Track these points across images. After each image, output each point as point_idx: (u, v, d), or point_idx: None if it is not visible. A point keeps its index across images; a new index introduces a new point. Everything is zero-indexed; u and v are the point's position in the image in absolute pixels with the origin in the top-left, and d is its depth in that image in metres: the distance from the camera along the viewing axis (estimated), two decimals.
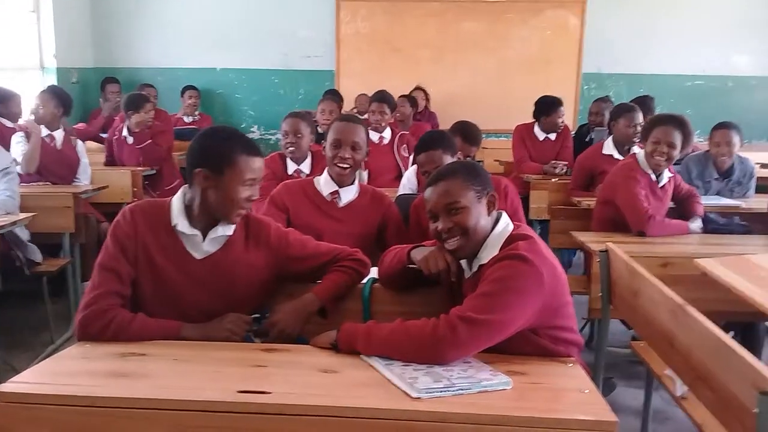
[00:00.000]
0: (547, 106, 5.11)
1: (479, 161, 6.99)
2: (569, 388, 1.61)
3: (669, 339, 2.12)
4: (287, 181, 2.92)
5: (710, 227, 3.45)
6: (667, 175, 3.44)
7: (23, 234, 3.80)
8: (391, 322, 1.76)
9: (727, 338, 1.75)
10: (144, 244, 1.96)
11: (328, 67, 7.18)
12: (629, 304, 2.52)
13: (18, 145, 4.45)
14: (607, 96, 5.82)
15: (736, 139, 3.95)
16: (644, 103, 5.34)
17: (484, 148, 7.00)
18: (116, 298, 1.90)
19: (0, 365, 3.14)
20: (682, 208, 3.50)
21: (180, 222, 1.97)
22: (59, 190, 4.11)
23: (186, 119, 6.84)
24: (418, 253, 1.99)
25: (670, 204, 3.54)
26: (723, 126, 3.99)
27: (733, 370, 1.66)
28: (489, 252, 1.85)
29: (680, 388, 2.34)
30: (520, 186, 4.98)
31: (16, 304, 3.84)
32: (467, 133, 3.35)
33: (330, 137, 2.69)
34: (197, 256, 1.98)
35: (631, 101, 5.43)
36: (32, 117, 4.54)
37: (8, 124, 5.07)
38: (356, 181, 2.76)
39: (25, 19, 6.33)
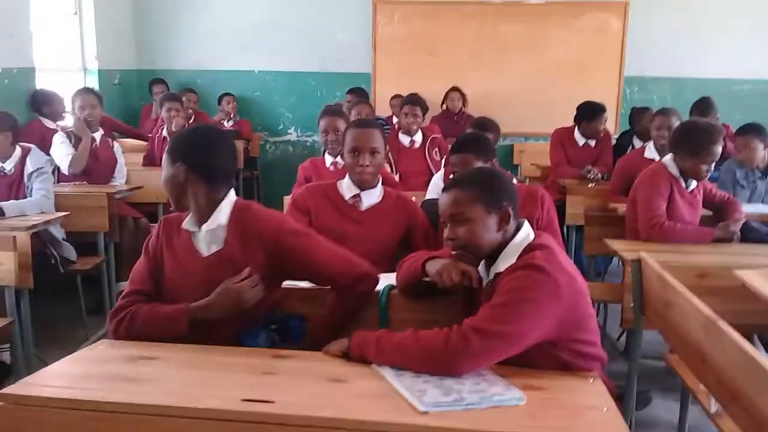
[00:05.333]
0: (590, 112, 4.99)
1: (516, 165, 6.93)
2: (587, 405, 1.53)
3: (701, 354, 2.03)
4: (310, 184, 2.90)
5: (752, 236, 3.31)
6: (694, 180, 3.32)
7: (58, 233, 3.87)
8: (404, 331, 1.71)
9: (759, 356, 1.66)
10: (163, 247, 2.04)
11: (364, 69, 7.14)
12: (661, 316, 2.43)
13: (61, 146, 4.49)
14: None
15: (756, 142, 3.87)
16: (704, 105, 5.16)
17: (521, 151, 6.93)
18: (138, 295, 1.99)
19: (33, 361, 3.18)
20: (722, 217, 3.36)
21: (186, 221, 2.01)
22: (94, 190, 4.17)
23: (226, 124, 6.92)
24: (433, 266, 1.93)
25: (707, 212, 3.42)
26: (742, 131, 3.97)
27: (766, 390, 1.57)
28: (506, 261, 1.79)
29: (714, 405, 2.24)
30: (557, 191, 4.88)
31: (52, 301, 3.90)
32: (484, 128, 3.37)
33: (348, 144, 2.66)
34: (204, 253, 1.99)
35: (694, 103, 5.25)
36: (76, 119, 4.57)
37: (50, 125, 5.18)
38: (379, 185, 2.72)
39: (68, 21, 6.45)
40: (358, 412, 1.44)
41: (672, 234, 3.14)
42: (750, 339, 2.61)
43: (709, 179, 3.55)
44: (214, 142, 1.98)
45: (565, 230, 4.65)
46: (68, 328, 3.93)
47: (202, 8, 7.22)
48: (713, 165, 3.26)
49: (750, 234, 3.32)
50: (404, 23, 7.08)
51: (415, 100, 4.61)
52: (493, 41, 7.03)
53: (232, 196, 2.01)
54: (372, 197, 2.69)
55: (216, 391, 1.54)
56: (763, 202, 3.91)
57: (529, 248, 1.79)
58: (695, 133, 3.26)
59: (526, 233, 1.86)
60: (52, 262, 3.70)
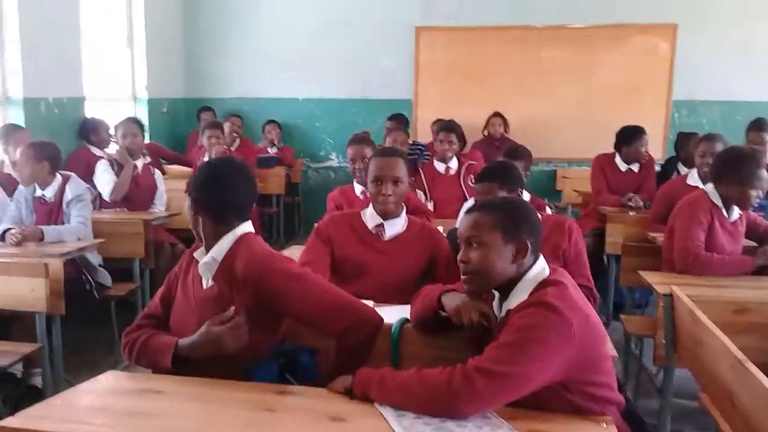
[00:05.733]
0: (628, 135, 4.87)
1: (559, 190, 6.80)
2: None
3: (729, 396, 1.92)
4: (334, 213, 2.88)
5: None
6: (737, 210, 3.18)
7: (95, 259, 3.93)
8: (409, 369, 1.66)
9: None
10: (181, 273, 2.08)
11: (406, 96, 7.16)
12: (692, 354, 2.31)
13: (104, 173, 4.61)
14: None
15: None
16: (762, 123, 4.99)
17: (564, 177, 6.80)
18: (149, 320, 2.05)
19: (63, 386, 3.22)
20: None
21: (199, 250, 2.02)
22: (131, 217, 4.25)
23: (270, 150, 7.02)
24: (450, 301, 1.87)
25: (750, 243, 3.26)
26: None
27: None
28: (518, 297, 1.72)
29: None
30: (597, 218, 4.76)
31: (86, 325, 3.96)
32: (515, 156, 3.34)
33: (370, 174, 2.63)
34: (205, 284, 1.99)
35: (751, 122, 5.09)
36: (120, 146, 4.69)
37: (97, 152, 5.33)
38: (403, 214, 2.68)
39: (120, 52, 6.66)
40: None
41: (709, 265, 3.00)
42: None
43: (756, 208, 3.41)
44: (220, 177, 1.98)
45: (605, 259, 4.53)
46: (100, 353, 3.98)
47: (249, 38, 7.37)
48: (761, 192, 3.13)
49: None
50: (446, 50, 7.07)
51: (450, 127, 4.56)
52: (536, 66, 6.95)
53: (239, 229, 1.99)
54: (395, 227, 2.65)
55: (214, 427, 1.52)
56: None
57: (542, 284, 1.72)
58: (739, 159, 3.13)
59: (541, 268, 1.79)
60: (87, 288, 3.77)
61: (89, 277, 3.80)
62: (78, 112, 5.57)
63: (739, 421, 1.84)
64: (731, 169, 3.10)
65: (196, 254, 2.02)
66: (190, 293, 2.00)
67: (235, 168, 2.03)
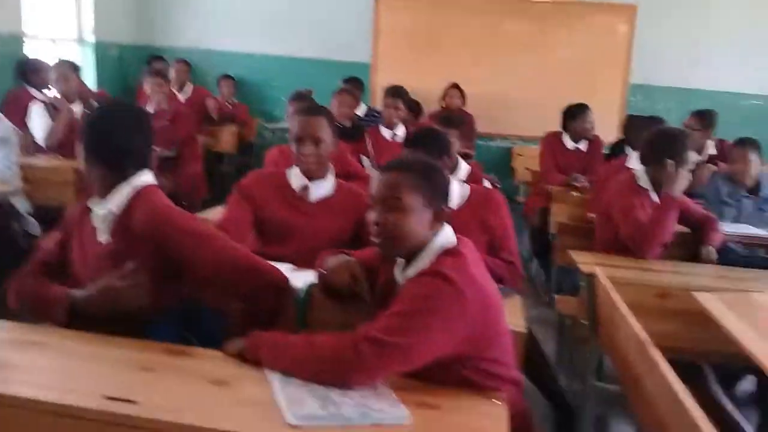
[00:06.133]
0: (573, 111, 4.92)
1: (513, 168, 6.76)
2: (476, 428, 1.41)
3: (635, 381, 1.90)
4: (259, 170, 2.77)
5: (729, 257, 3.14)
6: None
7: (22, 206, 3.77)
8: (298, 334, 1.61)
9: (682, 389, 1.52)
10: (79, 218, 1.94)
11: (364, 59, 7.02)
12: (610, 337, 2.29)
13: (39, 117, 4.42)
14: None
15: (752, 156, 3.66)
16: (706, 117, 5.04)
17: (519, 155, 6.76)
18: (42, 266, 1.94)
19: None
20: (698, 236, 3.19)
21: (93, 198, 1.88)
22: (62, 164, 4.08)
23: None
24: (332, 261, 1.81)
25: (684, 229, 3.25)
26: (739, 143, 3.77)
27: (685, 427, 1.44)
28: (418, 265, 1.65)
29: None
30: (544, 197, 4.74)
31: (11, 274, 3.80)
32: (448, 124, 3.17)
33: (292, 132, 2.53)
34: (99, 239, 1.87)
35: (693, 114, 5.11)
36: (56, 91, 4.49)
37: (37, 94, 5.09)
38: (331, 176, 2.59)
39: None
40: (225, 421, 1.32)
41: (645, 236, 2.92)
42: (702, 369, 2.47)
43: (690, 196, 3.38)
44: (109, 122, 1.86)
45: (550, 238, 4.51)
46: None
47: None
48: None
49: (726, 255, 3.14)
50: (407, 14, 6.94)
51: (396, 92, 4.47)
52: (495, 39, 6.88)
53: (137, 180, 1.86)
54: (322, 189, 2.56)
55: (85, 386, 1.44)
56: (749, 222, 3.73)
57: (444, 254, 1.65)
58: (667, 140, 3.08)
59: (447, 237, 1.71)
60: (13, 236, 3.60)
61: (15, 225, 3.63)
62: (16, 51, 5.31)
63: (644, 406, 1.82)
64: (660, 151, 3.04)
65: (90, 203, 1.90)
66: (86, 245, 1.89)
67: (128, 112, 1.92)
